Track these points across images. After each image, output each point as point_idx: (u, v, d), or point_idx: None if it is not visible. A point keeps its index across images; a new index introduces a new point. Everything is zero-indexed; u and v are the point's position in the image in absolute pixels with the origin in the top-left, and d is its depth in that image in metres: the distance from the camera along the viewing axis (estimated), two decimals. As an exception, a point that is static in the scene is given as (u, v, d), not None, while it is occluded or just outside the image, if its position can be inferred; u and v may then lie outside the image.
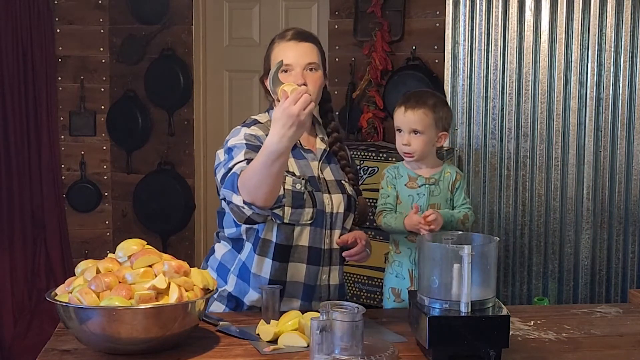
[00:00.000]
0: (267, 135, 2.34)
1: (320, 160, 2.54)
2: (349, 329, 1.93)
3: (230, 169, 2.31)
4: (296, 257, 2.47)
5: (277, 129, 2.10)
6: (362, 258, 2.54)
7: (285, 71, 2.45)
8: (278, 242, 2.44)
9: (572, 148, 3.97)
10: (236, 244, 2.52)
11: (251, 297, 2.48)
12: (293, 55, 2.46)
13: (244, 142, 2.38)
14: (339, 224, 2.54)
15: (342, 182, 2.57)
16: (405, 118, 2.55)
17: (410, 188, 2.58)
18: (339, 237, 2.53)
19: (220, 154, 2.46)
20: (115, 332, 1.94)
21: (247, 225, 2.43)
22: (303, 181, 2.44)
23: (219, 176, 2.39)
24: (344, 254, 2.52)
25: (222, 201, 2.50)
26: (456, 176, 2.62)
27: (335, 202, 2.51)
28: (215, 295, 2.50)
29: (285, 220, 2.42)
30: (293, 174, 2.44)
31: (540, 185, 4.02)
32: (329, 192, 2.51)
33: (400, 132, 2.59)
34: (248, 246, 2.48)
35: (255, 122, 2.50)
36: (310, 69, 2.47)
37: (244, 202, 2.21)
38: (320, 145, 2.57)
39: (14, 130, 4.76)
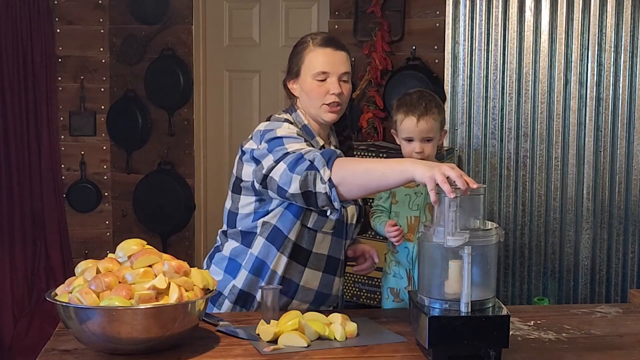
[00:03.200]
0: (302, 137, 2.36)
1: None
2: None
3: (294, 151, 2.25)
4: (314, 264, 2.48)
5: (424, 165, 2.05)
6: (369, 272, 2.60)
7: (324, 79, 2.42)
8: (297, 242, 2.44)
9: (572, 148, 3.97)
10: (246, 238, 2.50)
11: (239, 278, 2.50)
12: (331, 63, 2.43)
13: (296, 136, 2.34)
14: (351, 235, 2.56)
15: None
16: (418, 128, 2.52)
17: (407, 187, 2.58)
18: (348, 248, 2.54)
19: (251, 143, 2.41)
20: (115, 332, 1.94)
21: (264, 220, 2.42)
22: None
23: (270, 158, 2.30)
24: (355, 268, 2.52)
25: (259, 180, 2.37)
26: (457, 178, 2.62)
27: (349, 214, 2.52)
28: (226, 293, 2.51)
29: (309, 225, 2.42)
30: None
31: (540, 185, 4.02)
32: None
33: (410, 141, 2.56)
34: (260, 241, 2.46)
35: (288, 121, 2.45)
36: (344, 80, 2.45)
37: (329, 180, 2.17)
38: None
39: (14, 131, 4.76)
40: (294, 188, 2.23)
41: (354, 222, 2.56)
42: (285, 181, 2.25)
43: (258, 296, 2.48)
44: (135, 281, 2.00)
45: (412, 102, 2.56)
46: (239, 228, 2.50)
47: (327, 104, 2.43)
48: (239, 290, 2.50)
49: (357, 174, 2.18)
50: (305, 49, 2.47)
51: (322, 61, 2.43)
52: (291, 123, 2.44)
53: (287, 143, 2.31)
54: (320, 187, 2.19)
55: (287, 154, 2.27)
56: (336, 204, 2.20)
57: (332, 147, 2.57)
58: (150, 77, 4.91)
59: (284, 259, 2.45)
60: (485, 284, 2.03)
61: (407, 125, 2.54)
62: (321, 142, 2.49)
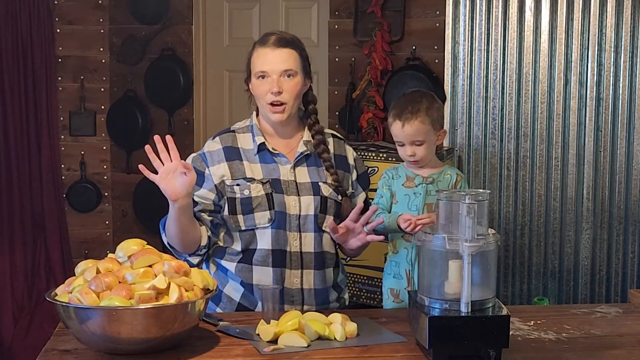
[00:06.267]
0: (226, 147, 2.50)
1: (293, 164, 2.53)
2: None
3: None
4: (260, 260, 2.48)
5: None
6: (355, 246, 2.51)
7: (263, 77, 2.49)
8: (242, 248, 2.50)
9: (572, 148, 3.97)
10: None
11: (229, 290, 2.53)
12: (270, 62, 2.48)
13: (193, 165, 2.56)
14: (310, 227, 2.51)
15: (319, 183, 2.54)
16: (404, 132, 2.52)
17: (407, 187, 2.58)
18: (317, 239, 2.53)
19: None
20: (115, 332, 1.94)
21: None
22: (260, 184, 2.45)
23: None
24: (335, 236, 2.48)
25: None
26: (457, 178, 2.61)
27: (304, 204, 2.49)
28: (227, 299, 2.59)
29: (242, 228, 2.48)
30: (252, 179, 2.46)
31: (540, 185, 4.02)
32: (298, 194, 2.50)
33: (402, 145, 2.57)
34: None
35: (227, 132, 2.57)
36: (288, 76, 2.48)
37: (168, 244, 2.44)
38: (300, 148, 2.56)
39: (14, 131, 4.76)
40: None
41: (311, 212, 2.49)
42: None
43: (226, 291, 2.55)
44: (135, 281, 2.00)
45: (399, 105, 2.57)
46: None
47: (269, 103, 2.49)
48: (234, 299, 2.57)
49: (172, 234, 2.43)
50: (251, 50, 2.57)
51: (261, 61, 2.50)
52: (230, 132, 2.57)
53: None
54: (172, 251, 2.48)
55: None
56: (186, 256, 2.48)
57: (302, 142, 2.57)
58: (150, 77, 4.91)
59: (232, 265, 2.52)
60: (485, 284, 2.03)
61: (395, 129, 2.56)
62: (260, 141, 2.54)
